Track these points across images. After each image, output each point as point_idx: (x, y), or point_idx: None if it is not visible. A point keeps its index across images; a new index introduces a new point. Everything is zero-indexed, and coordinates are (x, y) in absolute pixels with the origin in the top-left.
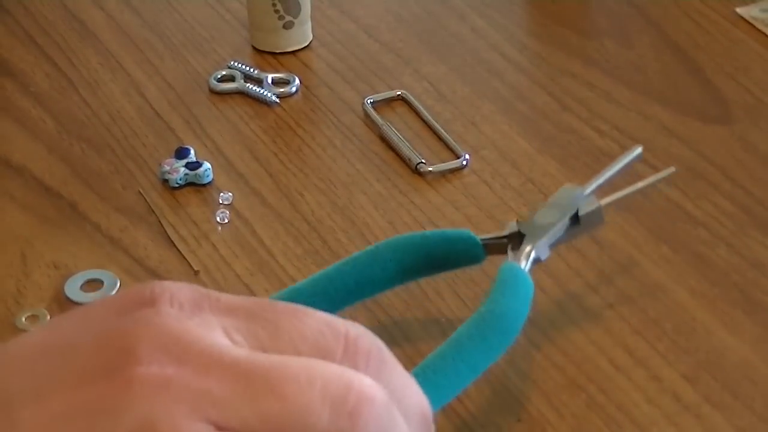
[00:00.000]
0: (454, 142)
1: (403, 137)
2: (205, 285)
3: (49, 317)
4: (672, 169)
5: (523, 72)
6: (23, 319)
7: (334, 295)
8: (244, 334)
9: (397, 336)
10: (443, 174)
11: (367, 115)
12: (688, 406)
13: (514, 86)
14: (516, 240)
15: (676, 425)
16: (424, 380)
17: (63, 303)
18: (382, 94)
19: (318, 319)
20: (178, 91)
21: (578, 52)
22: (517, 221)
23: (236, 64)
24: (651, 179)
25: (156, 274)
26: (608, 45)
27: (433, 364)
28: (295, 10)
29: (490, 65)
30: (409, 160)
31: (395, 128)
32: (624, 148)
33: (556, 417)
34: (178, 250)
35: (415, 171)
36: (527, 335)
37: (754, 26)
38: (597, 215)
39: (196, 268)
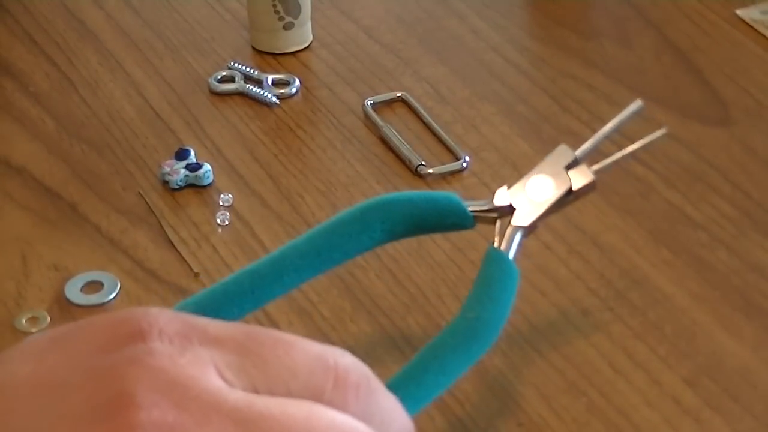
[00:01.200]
0: (454, 144)
1: (404, 139)
2: (205, 286)
3: (49, 319)
4: (664, 130)
5: (523, 74)
6: (23, 321)
7: (323, 254)
8: (236, 372)
9: (398, 339)
10: (443, 176)
11: (367, 116)
12: (688, 410)
13: (514, 88)
14: (506, 211)
15: (676, 429)
16: (404, 392)
17: (63, 305)
18: (383, 95)
19: (306, 352)
20: (178, 92)
21: (578, 53)
22: (508, 188)
23: (236, 64)
24: (643, 141)
25: (156, 276)
26: (608, 47)
27: (412, 375)
28: (295, 11)
29: (490, 67)
30: (410, 161)
31: (395, 130)
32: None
33: (557, 421)
34: (179, 251)
35: (416, 173)
36: (528, 339)
37: (754, 28)
38: (590, 187)
39: (196, 270)
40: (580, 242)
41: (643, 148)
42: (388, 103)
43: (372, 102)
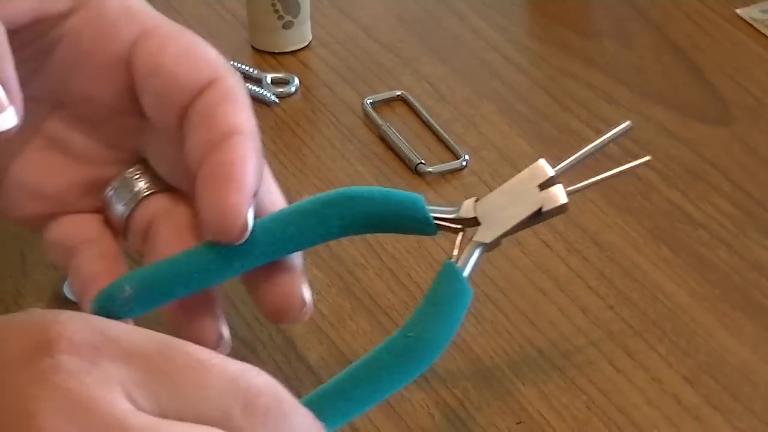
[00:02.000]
0: (453, 143)
1: (403, 138)
2: None
3: None
4: (648, 157)
5: (523, 73)
6: None
7: (276, 243)
8: (144, 393)
9: None
10: (443, 175)
11: (366, 115)
12: (689, 408)
13: (514, 87)
14: (470, 224)
15: (676, 427)
16: (330, 405)
17: (62, 303)
18: (382, 94)
19: (220, 374)
20: None
21: (578, 52)
22: (476, 201)
23: (235, 64)
24: (625, 166)
25: None
26: (608, 46)
27: (342, 388)
28: (294, 10)
29: (490, 66)
30: (409, 160)
31: (395, 129)
32: (623, 149)
33: (557, 419)
34: None
35: (415, 172)
36: (528, 337)
37: (755, 27)
38: (561, 209)
39: None
40: (580, 241)
41: (625, 172)
42: (388, 102)
43: (371, 101)
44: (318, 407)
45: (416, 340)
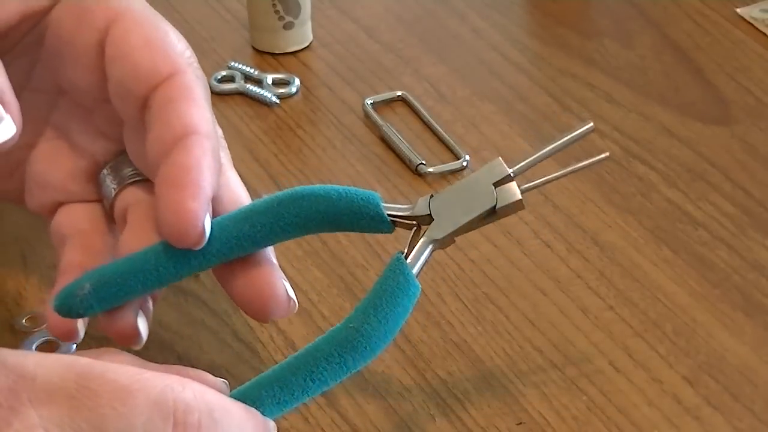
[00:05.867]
0: (454, 143)
1: (404, 138)
2: (206, 286)
3: None
4: (606, 154)
5: (523, 72)
6: (23, 321)
7: (231, 241)
8: None
9: (398, 339)
10: (444, 175)
11: (367, 115)
12: (689, 408)
13: (514, 87)
14: (424, 220)
15: (676, 427)
16: (269, 392)
17: None
18: (383, 94)
19: (144, 399)
20: None
21: (579, 52)
22: (432, 196)
23: (236, 64)
24: (583, 163)
25: None
26: (609, 45)
27: (280, 377)
28: (295, 10)
29: (490, 66)
30: (410, 161)
31: (395, 129)
32: (624, 149)
33: (557, 419)
34: None
35: (416, 172)
36: (528, 337)
37: (755, 26)
38: (516, 206)
39: None
40: (580, 241)
41: (584, 166)
42: (388, 102)
43: (372, 101)
44: (257, 395)
45: (356, 332)
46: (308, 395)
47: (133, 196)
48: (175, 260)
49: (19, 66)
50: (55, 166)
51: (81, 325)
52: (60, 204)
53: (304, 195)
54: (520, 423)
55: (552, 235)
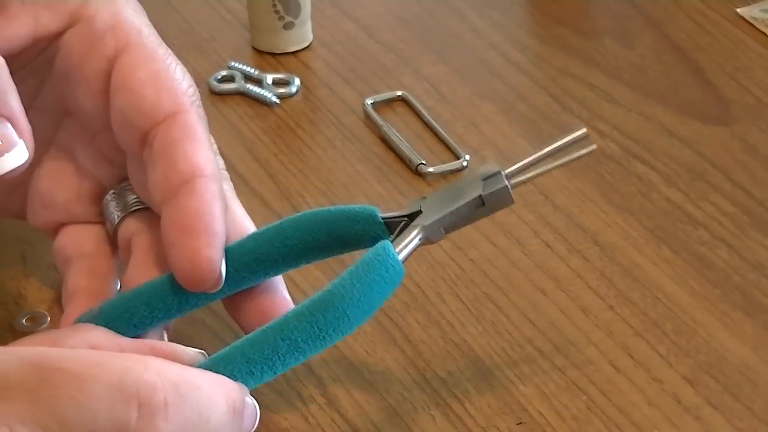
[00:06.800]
0: (454, 143)
1: (404, 138)
2: None
3: (49, 319)
4: (593, 147)
5: (523, 72)
6: (23, 321)
7: (235, 271)
8: (32, 428)
9: (398, 337)
10: (444, 175)
11: (367, 115)
12: (689, 408)
13: (514, 87)
14: (414, 216)
15: (676, 427)
16: (239, 355)
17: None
18: (383, 94)
19: (104, 384)
20: None
21: (579, 52)
22: (424, 198)
23: (236, 64)
24: (567, 158)
25: None
26: (609, 45)
27: (253, 340)
28: (295, 10)
29: (490, 66)
30: (410, 161)
31: (396, 129)
32: (624, 149)
33: (557, 419)
34: None
35: (416, 172)
36: (528, 337)
37: (755, 26)
38: (503, 196)
39: None
40: (581, 241)
41: (572, 160)
42: (389, 102)
43: (372, 101)
44: (227, 360)
45: (330, 294)
46: (284, 365)
47: (136, 224)
48: (183, 294)
49: (27, 85)
50: (60, 186)
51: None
52: (63, 224)
53: (307, 216)
54: (520, 423)
55: (552, 235)
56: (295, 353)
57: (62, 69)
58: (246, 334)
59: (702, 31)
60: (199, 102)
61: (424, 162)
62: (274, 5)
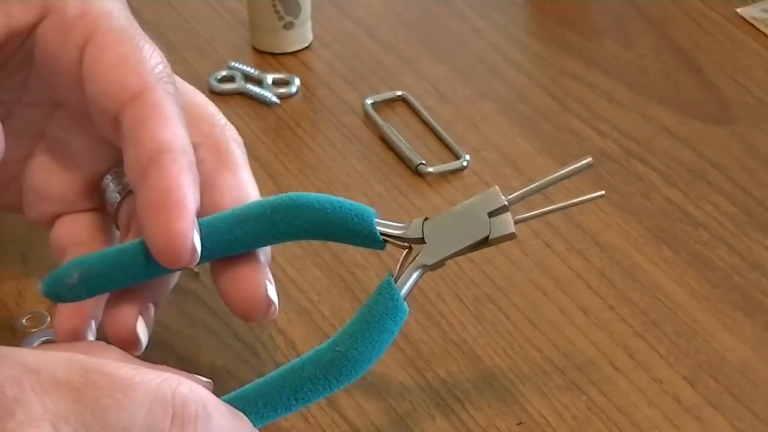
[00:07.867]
0: (454, 143)
1: (404, 138)
2: (206, 286)
3: (49, 319)
4: (601, 193)
5: (523, 72)
6: (23, 321)
7: (224, 245)
8: (74, 424)
9: (398, 338)
10: (444, 175)
11: (367, 115)
12: (689, 408)
13: (514, 87)
14: (417, 242)
15: (676, 427)
16: (252, 408)
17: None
18: (383, 94)
19: (145, 390)
20: None
21: (579, 52)
22: (426, 219)
23: (236, 64)
24: (578, 199)
25: None
26: (609, 45)
27: (263, 392)
28: (295, 10)
29: (490, 66)
30: (410, 161)
31: (396, 129)
32: (624, 149)
33: (557, 419)
34: None
35: (416, 172)
36: (528, 337)
37: (755, 26)
38: (508, 238)
39: (196, 270)
40: (581, 241)
41: (579, 203)
42: (389, 102)
43: (372, 101)
44: (240, 408)
45: (342, 357)
46: (291, 411)
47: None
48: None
49: (13, 81)
50: (53, 177)
51: (88, 327)
52: (59, 215)
53: (298, 205)
54: (520, 423)
55: (552, 235)
56: (305, 406)
57: (41, 62)
58: (223, 301)
59: (702, 31)
60: (168, 78)
61: (424, 162)
62: (274, 5)
